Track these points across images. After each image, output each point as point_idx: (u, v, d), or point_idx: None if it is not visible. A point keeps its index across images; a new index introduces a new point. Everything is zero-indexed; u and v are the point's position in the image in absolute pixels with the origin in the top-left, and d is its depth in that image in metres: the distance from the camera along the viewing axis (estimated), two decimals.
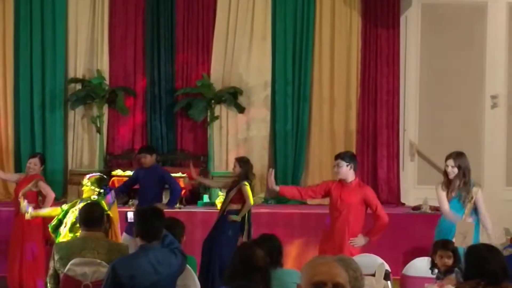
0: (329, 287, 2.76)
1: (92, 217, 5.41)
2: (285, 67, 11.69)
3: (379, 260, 5.06)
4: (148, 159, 8.82)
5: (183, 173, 10.87)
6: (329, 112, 11.73)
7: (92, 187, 6.88)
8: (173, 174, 10.60)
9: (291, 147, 11.74)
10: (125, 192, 9.66)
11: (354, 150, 11.53)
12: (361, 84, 11.72)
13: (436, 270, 5.47)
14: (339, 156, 7.11)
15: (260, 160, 11.65)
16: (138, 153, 9.19)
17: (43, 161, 8.53)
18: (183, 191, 10.52)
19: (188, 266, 4.96)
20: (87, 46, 11.65)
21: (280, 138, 11.76)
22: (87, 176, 7.09)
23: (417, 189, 11.41)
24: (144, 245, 4.67)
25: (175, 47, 11.84)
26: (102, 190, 6.92)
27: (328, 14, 11.70)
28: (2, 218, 9.14)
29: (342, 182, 7.02)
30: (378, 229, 6.93)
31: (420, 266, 5.89)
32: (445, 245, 5.58)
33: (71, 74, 11.60)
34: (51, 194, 8.12)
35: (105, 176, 7.38)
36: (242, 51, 11.72)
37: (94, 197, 6.79)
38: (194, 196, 10.95)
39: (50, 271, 5.35)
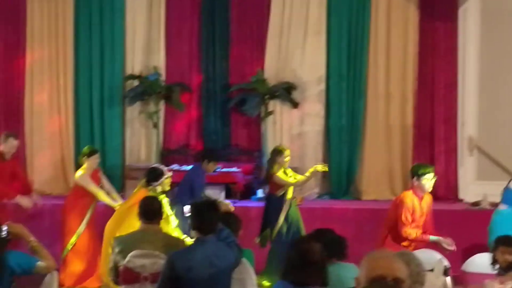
0: (388, 282, 2.74)
1: (151, 210, 5.50)
2: (339, 62, 11.60)
3: (438, 255, 5.01)
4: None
5: (237, 168, 10.95)
6: (385, 107, 11.61)
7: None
8: (227, 170, 10.74)
9: (346, 143, 11.66)
10: None
11: (410, 146, 11.46)
12: (417, 78, 11.55)
13: (497, 266, 5.39)
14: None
15: (314, 155, 11.63)
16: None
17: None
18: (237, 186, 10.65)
19: (244, 259, 4.99)
20: (144, 43, 11.80)
21: (334, 134, 11.69)
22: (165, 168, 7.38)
23: (476, 185, 11.16)
24: (200, 238, 4.73)
25: (230, 43, 11.90)
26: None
27: (384, 7, 11.56)
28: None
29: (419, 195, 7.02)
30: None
31: (480, 262, 5.81)
32: (508, 241, 5.48)
33: (128, 71, 11.76)
34: None
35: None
36: (296, 46, 11.70)
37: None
38: (248, 191, 11.00)
39: (111, 264, 5.46)
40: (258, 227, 8.82)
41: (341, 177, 11.61)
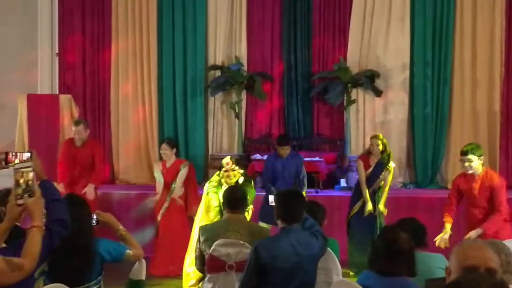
0: (481, 272, 2.68)
1: (235, 199, 5.55)
2: (424, 49, 11.40)
3: None
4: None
5: (320, 157, 10.92)
6: (471, 94, 11.35)
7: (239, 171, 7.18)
8: (309, 159, 10.72)
9: (431, 131, 11.47)
10: None
11: (497, 133, 11.18)
12: (505, 63, 11.25)
13: None
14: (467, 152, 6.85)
15: (398, 144, 11.49)
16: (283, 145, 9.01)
17: (171, 145, 8.86)
18: (320, 175, 10.62)
19: (329, 248, 4.97)
20: (226, 34, 11.89)
21: (419, 122, 11.51)
22: (225, 161, 7.32)
23: None
24: (285, 227, 4.73)
25: (312, 31, 11.87)
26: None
27: None
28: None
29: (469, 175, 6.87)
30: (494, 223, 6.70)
31: None
32: None
33: (211, 62, 11.88)
34: None
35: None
36: (379, 33, 11.55)
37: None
38: (331, 180, 10.96)
39: (196, 253, 5.54)
40: (340, 217, 8.79)
41: (426, 166, 11.43)
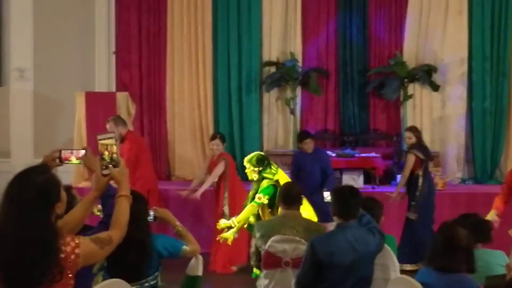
0: None
1: (291, 195, 5.56)
2: (482, 42, 11.20)
3: None
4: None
5: (376, 153, 10.83)
6: None
7: (253, 168, 7.08)
8: (366, 155, 10.66)
9: (490, 126, 11.27)
10: None
11: None
12: None
13: None
14: None
15: (456, 139, 11.33)
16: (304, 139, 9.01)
17: (223, 140, 8.92)
18: (377, 171, 10.53)
19: (386, 245, 4.93)
20: (281, 29, 11.86)
21: (477, 117, 11.32)
22: (246, 159, 7.30)
23: None
24: (341, 223, 4.72)
25: (368, 26, 11.77)
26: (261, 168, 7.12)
27: None
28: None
29: None
30: None
31: None
32: None
33: (265, 58, 11.87)
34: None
35: (263, 154, 7.59)
36: (436, 27, 11.39)
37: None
38: (388, 176, 10.85)
39: (252, 249, 5.57)
40: (399, 213, 8.70)
41: (485, 161, 11.25)
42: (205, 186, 8.70)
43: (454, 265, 3.80)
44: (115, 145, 3.41)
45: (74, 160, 3.64)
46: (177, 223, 4.51)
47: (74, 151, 3.64)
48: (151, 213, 4.45)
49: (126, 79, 12.24)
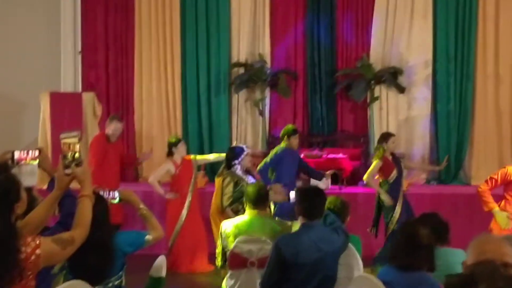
0: (495, 265, 2.68)
1: (258, 196, 5.57)
2: (447, 45, 11.34)
3: None
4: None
5: (343, 154, 10.91)
6: (494, 90, 11.27)
7: None
8: (333, 156, 10.74)
9: (454, 127, 11.41)
10: None
11: None
12: None
13: None
14: None
15: (422, 140, 11.47)
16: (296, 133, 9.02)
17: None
18: (343, 172, 10.60)
19: (350, 245, 4.98)
20: (250, 31, 11.89)
21: (442, 118, 11.46)
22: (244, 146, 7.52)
23: None
24: (306, 223, 4.75)
25: (335, 28, 11.85)
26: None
27: None
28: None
29: None
30: None
31: None
32: None
33: (234, 59, 11.88)
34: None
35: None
36: (402, 30, 11.51)
37: None
38: (354, 177, 10.94)
39: (218, 249, 5.57)
40: (365, 213, 8.77)
41: (449, 162, 11.34)
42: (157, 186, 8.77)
43: (415, 264, 3.85)
44: (78, 144, 3.40)
45: (29, 160, 3.60)
46: (141, 205, 4.44)
47: (29, 152, 3.60)
48: (116, 194, 4.39)
49: (93, 79, 12.19)
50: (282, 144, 8.71)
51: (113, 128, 9.03)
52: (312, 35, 11.91)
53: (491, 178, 7.19)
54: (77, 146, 3.40)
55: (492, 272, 2.26)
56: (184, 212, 8.62)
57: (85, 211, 3.36)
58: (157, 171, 8.95)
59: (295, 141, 8.75)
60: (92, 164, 8.82)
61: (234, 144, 9.53)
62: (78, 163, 3.40)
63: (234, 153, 7.79)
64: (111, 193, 4.31)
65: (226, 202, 7.50)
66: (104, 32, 12.15)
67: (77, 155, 3.40)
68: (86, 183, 3.42)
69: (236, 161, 7.71)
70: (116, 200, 4.37)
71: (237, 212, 7.21)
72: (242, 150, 7.85)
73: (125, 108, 12.14)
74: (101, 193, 4.30)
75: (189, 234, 8.62)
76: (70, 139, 3.41)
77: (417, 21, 11.44)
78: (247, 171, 7.82)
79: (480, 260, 2.70)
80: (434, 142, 11.51)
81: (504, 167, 7.38)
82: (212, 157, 9.29)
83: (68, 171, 3.39)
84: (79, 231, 3.29)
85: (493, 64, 11.25)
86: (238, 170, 7.69)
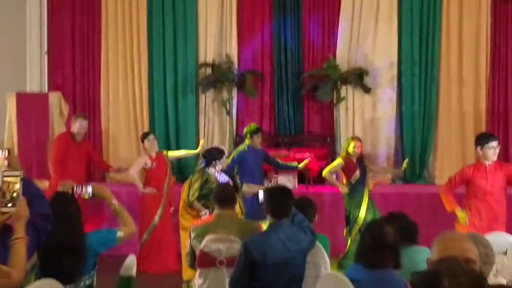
0: (458, 261, 2.78)
1: (226, 196, 5.62)
2: (411, 47, 11.50)
3: (510, 238, 4.97)
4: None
5: (311, 154, 10.99)
6: (458, 92, 11.46)
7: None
8: (300, 156, 10.81)
9: (419, 128, 11.57)
10: None
11: (483, 130, 11.25)
12: (491, 62, 11.36)
13: None
14: (497, 137, 7.26)
15: (387, 140, 11.60)
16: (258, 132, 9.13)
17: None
18: (311, 172, 10.69)
19: (318, 243, 5.06)
20: (217, 31, 11.90)
21: (407, 119, 11.62)
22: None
23: None
24: (274, 222, 4.82)
25: (302, 30, 11.93)
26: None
27: None
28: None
29: (482, 165, 7.03)
30: None
31: None
32: None
33: (201, 59, 11.89)
34: None
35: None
36: (368, 32, 11.63)
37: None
38: (321, 177, 11.02)
39: (187, 249, 5.61)
40: (331, 213, 8.88)
41: (414, 162, 11.53)
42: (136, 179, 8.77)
43: (382, 262, 3.94)
44: (19, 183, 3.42)
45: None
46: (114, 201, 4.45)
47: None
48: (89, 189, 4.41)
49: (59, 79, 12.11)
50: (246, 143, 8.81)
51: (78, 126, 9.03)
52: (279, 36, 11.98)
53: (450, 179, 7.34)
54: (17, 186, 3.41)
55: (455, 268, 2.35)
56: (160, 210, 8.64)
57: (20, 254, 3.38)
58: (135, 164, 9.01)
59: (257, 139, 8.84)
60: (53, 161, 8.84)
61: (201, 141, 9.62)
62: (14, 204, 3.41)
63: (220, 153, 7.84)
64: (83, 188, 4.33)
65: (192, 197, 7.56)
66: (71, 32, 12.08)
67: (15, 194, 3.41)
68: (20, 225, 3.42)
69: (218, 161, 7.78)
70: (88, 196, 4.38)
71: (207, 208, 7.31)
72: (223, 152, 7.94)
73: (91, 109, 12.09)
74: (75, 188, 4.33)
75: (160, 234, 8.65)
76: (11, 178, 3.42)
77: (382, 23, 11.57)
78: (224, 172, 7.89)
79: (443, 257, 2.79)
80: (399, 142, 11.66)
81: (462, 168, 7.54)
82: (182, 153, 9.35)
83: (5, 209, 3.40)
84: (16, 273, 3.31)
85: (456, 67, 11.43)
86: (212, 169, 7.73)
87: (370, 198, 8.64)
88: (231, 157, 8.75)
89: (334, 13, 11.76)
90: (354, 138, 8.87)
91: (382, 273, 3.94)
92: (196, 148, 10.15)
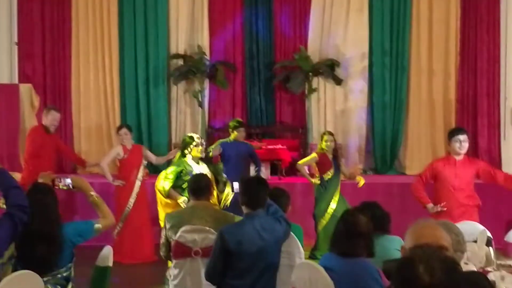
0: (431, 247, 2.85)
1: (200, 186, 5.64)
2: (382, 38, 11.63)
3: (480, 227, 5.07)
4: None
5: (282, 145, 11.07)
6: (428, 82, 11.62)
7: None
8: (272, 146, 10.89)
9: (389, 118, 11.71)
10: None
11: (453, 120, 11.44)
12: (460, 52, 11.54)
13: None
14: (465, 131, 7.19)
15: (358, 131, 11.71)
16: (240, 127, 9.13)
17: (131, 130, 9.10)
18: (282, 162, 10.77)
19: (292, 233, 5.11)
20: (188, 23, 11.93)
21: (378, 109, 11.74)
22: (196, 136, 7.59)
23: None
24: (249, 213, 4.86)
25: (273, 21, 11.98)
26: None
27: None
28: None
29: (451, 158, 7.10)
30: None
31: None
32: None
33: (173, 50, 11.91)
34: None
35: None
36: (339, 23, 11.73)
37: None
38: (293, 167, 11.10)
39: (162, 240, 5.61)
40: (303, 203, 8.95)
41: (385, 153, 11.67)
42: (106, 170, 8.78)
43: (355, 250, 4.01)
44: None
45: None
46: (92, 192, 4.46)
47: None
48: (68, 181, 4.42)
49: (29, 70, 12.03)
50: (231, 137, 8.89)
51: (51, 118, 8.96)
52: (250, 27, 12.03)
53: (421, 175, 7.35)
54: None
55: (429, 254, 2.42)
56: (131, 200, 8.65)
57: None
58: (106, 155, 9.00)
59: (239, 134, 8.89)
60: (27, 155, 8.79)
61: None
62: None
63: (191, 138, 7.79)
64: (62, 179, 4.34)
65: (166, 187, 7.51)
66: (41, 23, 12.00)
67: None
68: None
69: (186, 151, 7.75)
70: (68, 187, 4.39)
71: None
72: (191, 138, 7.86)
73: (62, 100, 12.03)
74: (55, 180, 4.33)
75: (134, 225, 8.66)
76: None
77: (353, 14, 11.68)
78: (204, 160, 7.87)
79: (418, 244, 2.86)
80: (370, 133, 11.78)
81: (432, 161, 7.60)
82: (155, 161, 9.22)
83: None
84: None
85: (426, 57, 11.58)
86: (190, 159, 7.72)
87: (340, 194, 8.72)
88: (216, 143, 8.86)
89: (305, 4, 11.84)
90: (326, 133, 8.94)
91: (355, 261, 4.00)
92: (166, 137, 10.16)
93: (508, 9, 11.39)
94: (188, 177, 7.19)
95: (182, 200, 7.32)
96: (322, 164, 8.66)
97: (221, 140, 9.05)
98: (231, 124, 9.00)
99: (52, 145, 9.04)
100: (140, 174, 8.77)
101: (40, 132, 9.01)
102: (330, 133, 8.94)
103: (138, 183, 8.75)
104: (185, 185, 7.29)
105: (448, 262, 2.39)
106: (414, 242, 2.92)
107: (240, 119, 9.62)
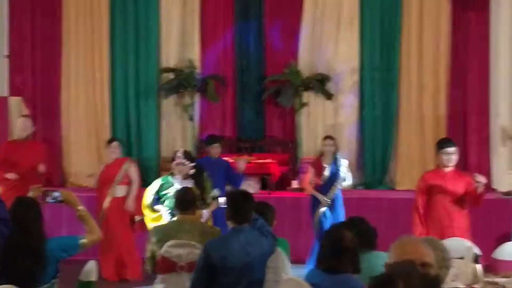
0: (413, 264, 2.83)
1: (186, 200, 5.63)
2: (372, 53, 11.63)
3: (467, 243, 5.05)
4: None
5: (272, 159, 11.04)
6: (418, 98, 11.61)
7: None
8: (261, 161, 10.87)
9: (380, 133, 11.70)
10: None
11: (443, 136, 11.39)
12: (450, 68, 11.53)
13: None
14: (453, 143, 7.07)
15: (348, 146, 11.67)
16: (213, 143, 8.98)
17: (121, 145, 9.05)
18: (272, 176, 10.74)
19: (278, 248, 5.08)
20: (179, 36, 11.91)
21: (368, 125, 11.74)
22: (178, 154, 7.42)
23: (510, 175, 11.14)
24: (235, 227, 4.83)
25: (264, 35, 11.99)
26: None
27: None
28: None
29: (440, 171, 7.04)
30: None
31: (511, 249, 5.82)
32: None
33: (163, 64, 11.89)
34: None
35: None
36: (329, 38, 11.74)
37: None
38: (283, 182, 11.10)
39: (148, 254, 5.59)
40: (292, 218, 8.92)
41: (375, 168, 11.66)
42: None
43: (341, 266, 3.97)
44: None
45: None
46: (80, 206, 4.43)
47: None
48: (57, 194, 4.39)
49: (19, 83, 11.99)
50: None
51: (19, 126, 8.91)
52: (241, 41, 12.03)
53: (416, 192, 7.17)
54: None
55: (410, 271, 2.39)
56: (101, 215, 8.46)
57: None
58: None
59: (212, 150, 8.82)
60: None
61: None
62: None
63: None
64: (51, 193, 4.31)
65: (146, 201, 7.40)
66: (31, 36, 11.97)
67: None
68: None
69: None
70: (59, 201, 4.35)
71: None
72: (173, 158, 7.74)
73: (52, 113, 11.98)
74: (46, 194, 4.29)
75: (117, 242, 8.52)
76: None
77: (344, 29, 11.68)
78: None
79: (400, 260, 2.84)
80: (360, 148, 11.76)
81: (422, 175, 7.42)
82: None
83: None
84: None
85: (416, 73, 11.58)
86: (172, 177, 7.58)
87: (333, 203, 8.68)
88: None
89: (296, 19, 11.83)
90: (324, 137, 8.93)
91: (341, 278, 3.97)
92: (156, 151, 10.10)
93: (498, 27, 11.40)
94: (166, 191, 7.14)
95: (164, 211, 7.15)
96: (315, 168, 8.65)
97: None
98: (206, 140, 8.92)
99: (26, 153, 8.83)
100: (113, 189, 8.60)
101: (6, 143, 8.97)
102: (329, 138, 8.90)
103: (108, 199, 8.55)
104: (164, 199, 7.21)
105: (428, 279, 2.36)
106: (397, 258, 2.90)
107: (213, 134, 9.53)
